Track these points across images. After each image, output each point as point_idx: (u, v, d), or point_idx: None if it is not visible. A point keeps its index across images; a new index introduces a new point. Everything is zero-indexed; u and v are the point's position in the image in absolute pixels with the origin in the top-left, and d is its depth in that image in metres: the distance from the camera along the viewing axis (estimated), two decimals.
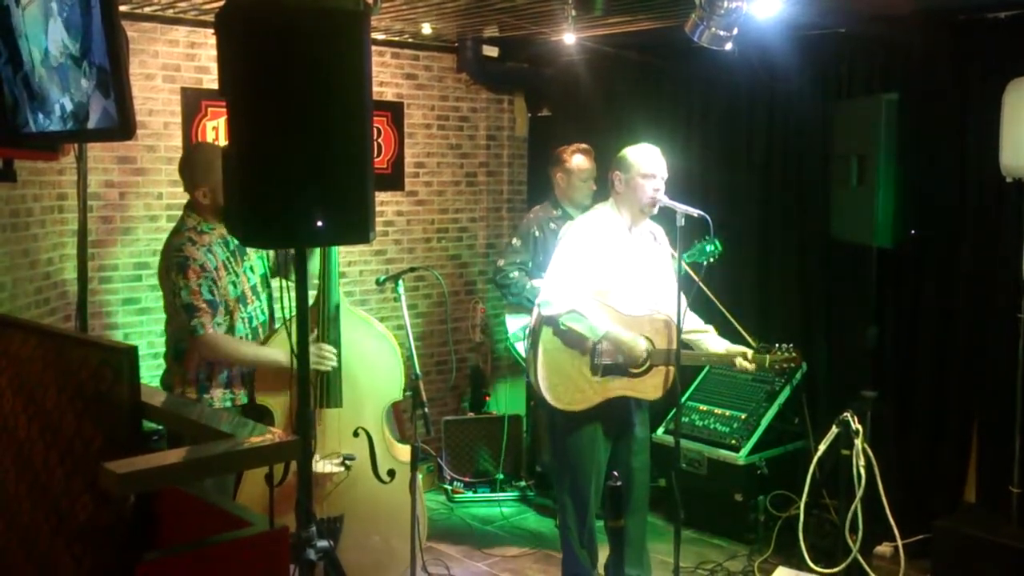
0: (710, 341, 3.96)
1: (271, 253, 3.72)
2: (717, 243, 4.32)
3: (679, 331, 3.74)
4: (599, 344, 3.81)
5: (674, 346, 3.78)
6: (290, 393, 3.50)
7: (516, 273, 4.87)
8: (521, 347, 4.92)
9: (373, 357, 3.77)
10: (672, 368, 3.85)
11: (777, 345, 3.86)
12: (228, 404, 3.52)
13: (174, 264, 3.40)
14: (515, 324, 4.98)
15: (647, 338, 3.88)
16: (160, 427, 2.83)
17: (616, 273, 3.87)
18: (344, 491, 3.69)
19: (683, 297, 3.71)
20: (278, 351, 3.51)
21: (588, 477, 3.97)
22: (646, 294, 3.95)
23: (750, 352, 3.83)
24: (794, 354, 3.83)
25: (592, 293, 3.82)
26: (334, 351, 3.60)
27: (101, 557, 1.95)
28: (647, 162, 3.83)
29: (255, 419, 3.52)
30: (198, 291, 3.38)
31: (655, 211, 3.88)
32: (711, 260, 4.34)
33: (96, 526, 1.96)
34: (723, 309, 4.04)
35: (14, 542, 2.21)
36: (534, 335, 3.93)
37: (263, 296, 3.66)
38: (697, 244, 4.38)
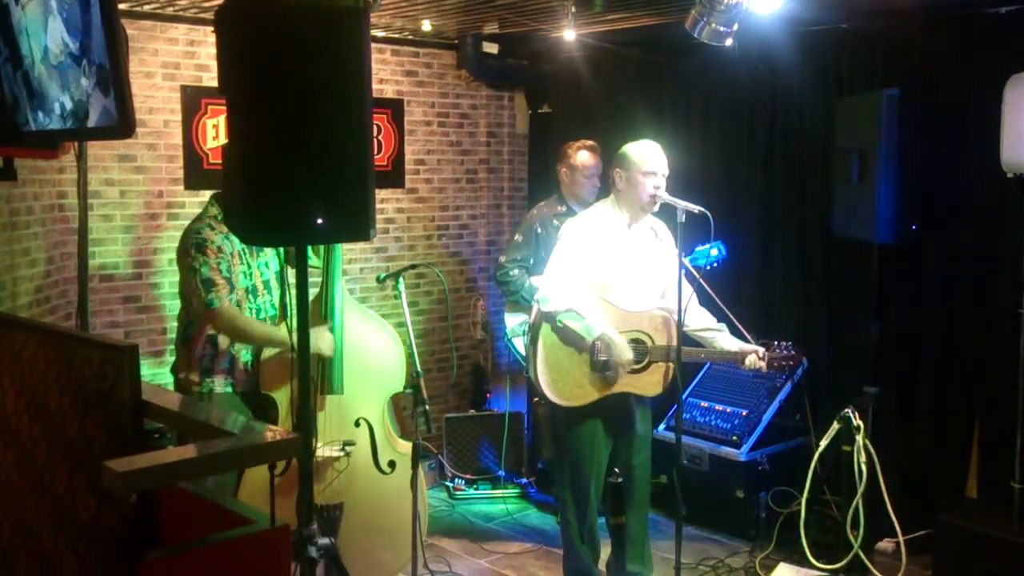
0: (723, 340, 3.94)
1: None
2: (721, 247, 4.31)
3: (679, 327, 3.73)
4: (598, 344, 3.81)
5: (674, 343, 3.79)
6: (295, 381, 3.54)
7: (516, 271, 4.87)
8: (519, 343, 4.93)
9: (376, 348, 3.82)
10: (672, 365, 3.85)
11: (776, 342, 3.86)
12: (228, 390, 3.65)
13: (192, 244, 3.56)
14: (513, 321, 4.98)
15: (646, 334, 3.88)
16: (160, 425, 2.85)
17: (615, 269, 3.88)
18: (345, 480, 3.72)
19: (689, 294, 3.72)
20: (287, 333, 3.55)
21: (588, 473, 3.97)
22: (646, 290, 3.95)
23: (761, 350, 3.82)
24: (793, 352, 3.83)
25: (591, 289, 3.83)
26: (329, 337, 3.67)
27: (104, 556, 1.95)
28: (648, 159, 3.83)
29: (260, 409, 3.65)
30: (217, 268, 3.53)
31: (656, 208, 3.88)
32: (714, 265, 4.33)
33: (99, 525, 1.96)
34: (723, 307, 4.04)
35: (17, 541, 2.21)
36: (534, 331, 3.94)
37: (275, 291, 3.76)
38: (700, 248, 4.37)
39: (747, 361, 3.83)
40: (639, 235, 3.96)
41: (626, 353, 3.78)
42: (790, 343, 3.85)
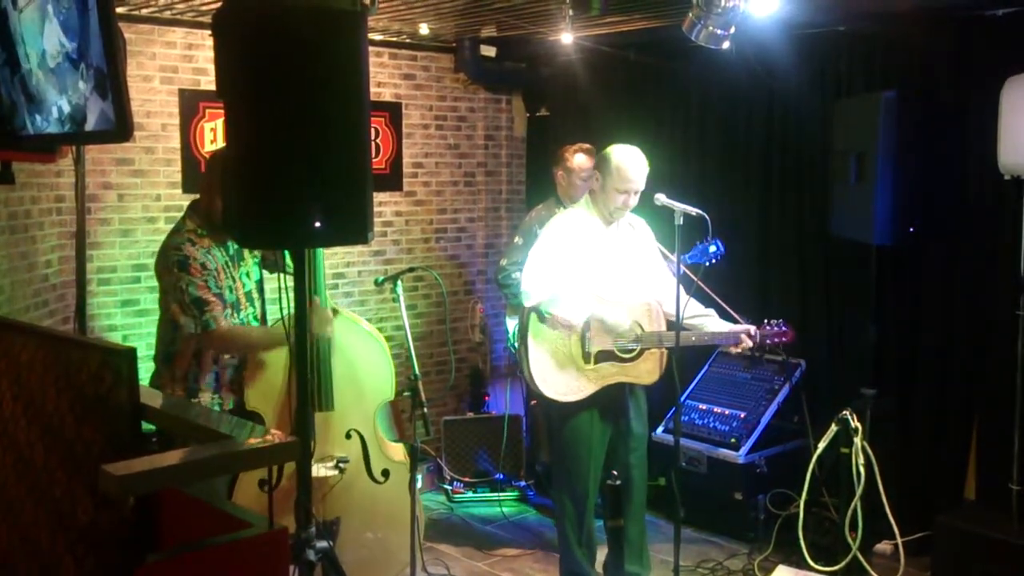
0: (712, 324, 3.99)
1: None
2: (719, 244, 4.31)
3: (679, 319, 3.76)
4: (588, 332, 3.83)
5: (663, 328, 3.82)
6: (282, 396, 3.50)
7: (517, 274, 4.86)
8: None
9: (362, 358, 3.74)
10: (665, 352, 3.88)
11: (766, 320, 3.92)
12: (216, 408, 3.48)
13: (174, 262, 3.35)
14: (515, 325, 4.97)
15: (635, 322, 3.92)
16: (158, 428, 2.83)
17: (596, 265, 3.92)
18: (339, 493, 3.68)
19: (686, 301, 3.74)
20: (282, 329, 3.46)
21: (586, 473, 3.97)
22: (631, 283, 3.98)
23: (752, 328, 3.87)
24: (785, 328, 3.88)
25: (574, 283, 3.85)
26: (330, 314, 3.56)
27: (102, 559, 1.95)
28: (623, 178, 3.83)
29: None
30: (205, 286, 3.34)
31: (623, 215, 3.92)
32: (713, 262, 4.34)
33: (97, 528, 1.96)
34: (722, 303, 4.05)
35: (16, 544, 2.21)
36: (523, 330, 3.95)
37: (256, 303, 3.64)
38: (699, 245, 4.39)
39: (741, 340, 3.89)
40: (617, 230, 4.00)
41: (622, 323, 3.82)
42: (781, 320, 3.89)
